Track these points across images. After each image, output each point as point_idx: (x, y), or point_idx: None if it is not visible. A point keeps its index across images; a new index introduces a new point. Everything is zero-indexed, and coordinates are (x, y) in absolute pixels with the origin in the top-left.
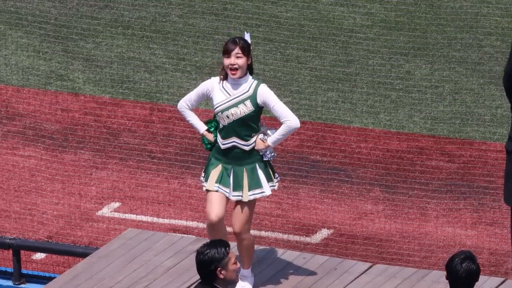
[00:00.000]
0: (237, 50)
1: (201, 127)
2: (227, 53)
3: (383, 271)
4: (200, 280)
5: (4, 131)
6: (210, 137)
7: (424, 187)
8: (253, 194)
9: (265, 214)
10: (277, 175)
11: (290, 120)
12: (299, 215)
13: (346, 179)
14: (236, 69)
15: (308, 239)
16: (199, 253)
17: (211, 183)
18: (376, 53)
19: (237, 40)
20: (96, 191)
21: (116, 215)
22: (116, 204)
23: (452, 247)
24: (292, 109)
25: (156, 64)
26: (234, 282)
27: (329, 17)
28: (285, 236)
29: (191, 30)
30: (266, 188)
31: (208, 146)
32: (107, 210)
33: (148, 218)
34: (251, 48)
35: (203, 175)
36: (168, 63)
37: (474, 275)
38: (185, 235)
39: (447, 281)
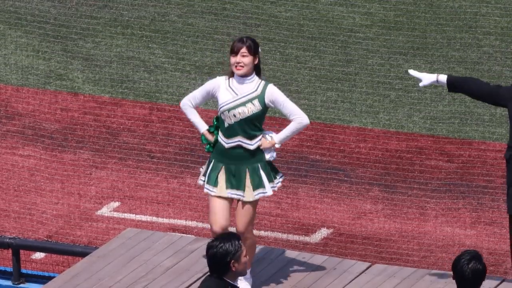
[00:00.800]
0: (244, 49)
1: (202, 127)
2: (234, 51)
3: (382, 271)
4: (208, 274)
5: (3, 131)
6: (210, 137)
7: (423, 186)
8: (257, 194)
9: (264, 214)
10: (281, 174)
11: (300, 117)
12: (299, 214)
13: (345, 178)
14: (241, 66)
15: (307, 239)
16: (212, 246)
17: (222, 190)
18: (375, 52)
19: (245, 40)
20: (95, 191)
21: (116, 214)
22: (116, 204)
23: (451, 247)
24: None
25: (156, 63)
26: (242, 274)
27: (328, 16)
28: (285, 236)
29: (190, 29)
30: (268, 188)
31: (208, 147)
32: (107, 210)
33: (148, 218)
34: (259, 48)
35: (202, 178)
36: (168, 62)
37: (480, 275)
38: (185, 235)
39: (453, 280)
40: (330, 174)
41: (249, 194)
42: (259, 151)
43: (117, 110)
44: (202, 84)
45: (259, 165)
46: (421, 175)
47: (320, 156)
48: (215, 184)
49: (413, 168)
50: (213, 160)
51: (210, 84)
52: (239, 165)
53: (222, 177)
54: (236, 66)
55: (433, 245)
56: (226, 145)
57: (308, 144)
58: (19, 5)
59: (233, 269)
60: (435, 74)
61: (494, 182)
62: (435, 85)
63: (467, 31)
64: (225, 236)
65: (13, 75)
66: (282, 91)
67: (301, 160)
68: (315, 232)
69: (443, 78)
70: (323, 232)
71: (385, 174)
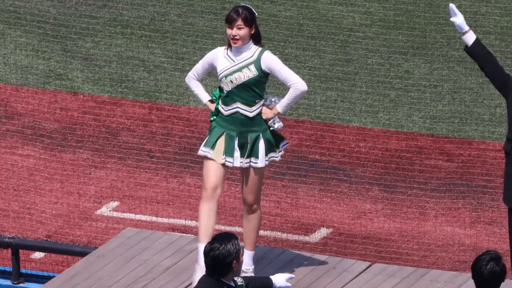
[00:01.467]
0: (239, 21)
1: (205, 97)
2: (229, 23)
3: (382, 270)
4: (205, 275)
5: (3, 130)
6: (212, 107)
7: (423, 186)
8: (247, 163)
9: (264, 213)
10: (285, 142)
11: (297, 83)
12: (298, 214)
13: (345, 178)
14: (237, 39)
15: (307, 238)
16: (213, 249)
17: (218, 155)
18: (375, 52)
19: (240, 11)
20: (95, 190)
21: (115, 214)
22: (115, 203)
23: (451, 246)
24: (291, 108)
25: (155, 63)
26: (239, 274)
27: (328, 16)
28: (284, 235)
29: (190, 29)
30: (261, 160)
31: (214, 117)
32: (106, 209)
33: (147, 217)
34: (255, 17)
35: (203, 149)
36: (167, 62)
37: (498, 276)
38: (184, 234)
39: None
40: (329, 173)
41: (244, 160)
42: (260, 118)
43: (116, 109)
44: (201, 84)
45: (261, 134)
46: (421, 174)
47: (320, 156)
48: (212, 147)
49: (413, 168)
50: (215, 127)
51: (210, 55)
52: (241, 131)
53: (221, 142)
54: (232, 39)
55: (433, 245)
56: (225, 112)
57: (308, 143)
58: (18, 5)
59: (234, 269)
60: (468, 28)
61: (494, 181)
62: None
63: None
64: (223, 236)
65: (12, 75)
66: (282, 90)
67: (301, 159)
68: (315, 232)
69: (471, 38)
70: (323, 232)
71: (384, 173)
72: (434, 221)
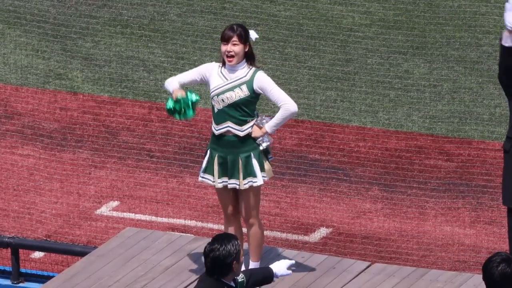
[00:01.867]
0: (234, 38)
1: (174, 86)
2: (224, 40)
3: (382, 270)
4: (205, 275)
5: (2, 130)
6: (181, 92)
7: (422, 186)
8: (248, 183)
9: (263, 213)
10: (270, 156)
11: (287, 103)
12: (298, 214)
13: (345, 178)
14: (232, 56)
15: (306, 238)
16: (213, 249)
17: (215, 180)
18: (374, 52)
19: (235, 28)
20: (94, 190)
21: (115, 214)
22: (115, 203)
23: (450, 246)
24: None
25: (155, 63)
26: (238, 274)
27: (328, 16)
28: (284, 235)
29: (189, 29)
30: (259, 178)
31: (169, 105)
32: (106, 209)
33: (147, 217)
34: (249, 35)
35: (202, 174)
36: (167, 62)
37: (509, 279)
38: (184, 234)
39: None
40: (329, 173)
41: (241, 183)
42: (251, 138)
43: (116, 109)
44: (200, 83)
45: (252, 154)
46: (421, 174)
47: (320, 155)
48: (210, 172)
49: (413, 168)
50: (208, 150)
51: (205, 67)
52: (232, 153)
53: (215, 167)
54: (227, 56)
55: (433, 244)
56: (216, 132)
57: (308, 143)
58: (18, 4)
59: (234, 269)
60: None
61: (493, 181)
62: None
63: (466, 30)
64: (223, 237)
65: (12, 75)
66: (283, 89)
67: (301, 159)
68: (314, 232)
69: None
70: (323, 232)
71: (384, 173)
72: (434, 221)
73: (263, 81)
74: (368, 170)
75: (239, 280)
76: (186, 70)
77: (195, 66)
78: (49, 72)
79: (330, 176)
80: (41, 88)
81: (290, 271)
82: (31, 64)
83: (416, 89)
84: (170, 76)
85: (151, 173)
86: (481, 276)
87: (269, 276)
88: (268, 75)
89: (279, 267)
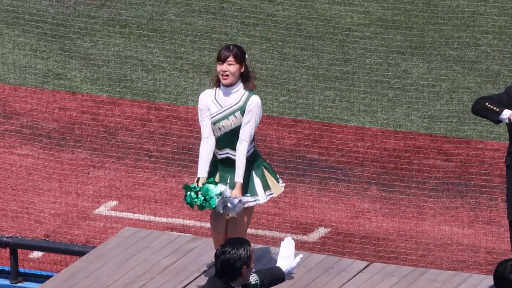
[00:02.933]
0: (230, 57)
1: (201, 172)
2: (220, 59)
3: (380, 270)
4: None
5: (1, 130)
6: (200, 182)
7: (421, 185)
8: (247, 202)
9: (262, 213)
10: (280, 181)
11: (242, 143)
12: (296, 213)
13: (343, 177)
14: (227, 75)
15: (305, 238)
16: (224, 252)
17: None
18: (373, 51)
19: (231, 48)
20: (93, 190)
21: (113, 213)
22: (113, 203)
23: (449, 246)
24: (289, 108)
25: (153, 63)
26: (247, 280)
27: (326, 15)
28: (282, 235)
29: (188, 28)
30: (261, 196)
31: (187, 198)
32: (104, 209)
33: (145, 217)
34: (245, 56)
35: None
36: (165, 62)
37: None
38: (182, 234)
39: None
40: (328, 173)
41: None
42: (251, 159)
43: (115, 109)
44: (200, 83)
45: (254, 173)
46: (419, 174)
47: (318, 155)
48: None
49: (411, 167)
50: (212, 172)
51: (202, 105)
52: (233, 173)
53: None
54: (222, 75)
55: (431, 244)
56: (218, 156)
57: (306, 143)
58: (16, 4)
59: (243, 274)
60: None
61: (492, 181)
62: None
63: (465, 30)
64: (236, 241)
65: (11, 74)
66: (280, 90)
67: (299, 159)
68: (313, 231)
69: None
70: (321, 231)
71: (383, 173)
72: (433, 221)
73: (251, 107)
74: (367, 170)
75: (252, 282)
76: (185, 70)
77: (194, 66)
78: (47, 72)
79: (329, 176)
80: (39, 88)
81: (298, 259)
82: (29, 64)
83: (414, 89)
84: (169, 75)
85: (149, 173)
86: (479, 276)
87: (282, 278)
88: (267, 75)
89: (287, 262)
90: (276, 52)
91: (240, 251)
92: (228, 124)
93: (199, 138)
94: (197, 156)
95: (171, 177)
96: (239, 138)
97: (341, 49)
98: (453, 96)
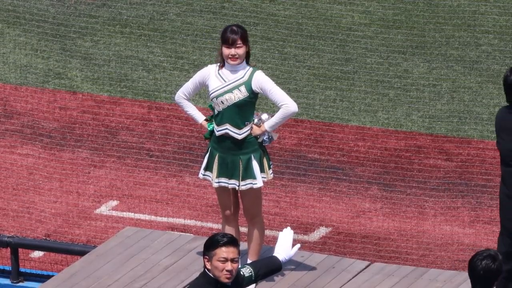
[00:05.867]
0: (238, 41)
1: (200, 117)
2: (227, 43)
3: (381, 270)
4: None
5: (2, 130)
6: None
7: (422, 185)
8: (246, 185)
9: (262, 213)
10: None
11: (287, 104)
12: (297, 213)
13: (344, 177)
14: (236, 58)
15: (306, 237)
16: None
17: (213, 179)
18: (374, 51)
19: (236, 30)
20: (94, 190)
21: (114, 213)
22: (114, 203)
23: (450, 245)
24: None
25: (154, 62)
26: (220, 281)
27: (327, 15)
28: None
29: (189, 28)
30: (259, 180)
31: (207, 136)
32: (105, 209)
33: (146, 217)
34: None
35: (203, 166)
36: (166, 61)
37: (492, 274)
38: (183, 234)
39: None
40: (328, 172)
41: (240, 184)
42: (250, 141)
43: (115, 108)
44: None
45: (252, 156)
46: (420, 173)
47: (319, 155)
48: (211, 170)
49: (412, 167)
50: (209, 148)
51: (201, 74)
52: (232, 155)
53: (215, 166)
54: (231, 58)
55: (432, 244)
56: (217, 132)
57: (307, 143)
58: (17, 4)
59: (208, 266)
60: None
61: (493, 180)
62: None
63: (465, 29)
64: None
65: (11, 74)
66: (282, 89)
67: (300, 159)
68: (314, 231)
69: None
70: (322, 231)
71: (383, 172)
72: (433, 220)
73: (262, 81)
74: (368, 170)
75: (246, 274)
76: (186, 70)
77: (194, 65)
78: (48, 72)
79: (330, 175)
80: (40, 88)
81: (296, 249)
82: (30, 63)
83: (415, 89)
84: (170, 75)
85: (150, 173)
86: None
87: (278, 267)
88: (267, 74)
89: (284, 251)
90: (277, 52)
91: (213, 237)
92: (232, 97)
93: (200, 138)
94: (197, 155)
95: (172, 177)
96: (280, 105)
97: (342, 48)
98: (454, 96)
